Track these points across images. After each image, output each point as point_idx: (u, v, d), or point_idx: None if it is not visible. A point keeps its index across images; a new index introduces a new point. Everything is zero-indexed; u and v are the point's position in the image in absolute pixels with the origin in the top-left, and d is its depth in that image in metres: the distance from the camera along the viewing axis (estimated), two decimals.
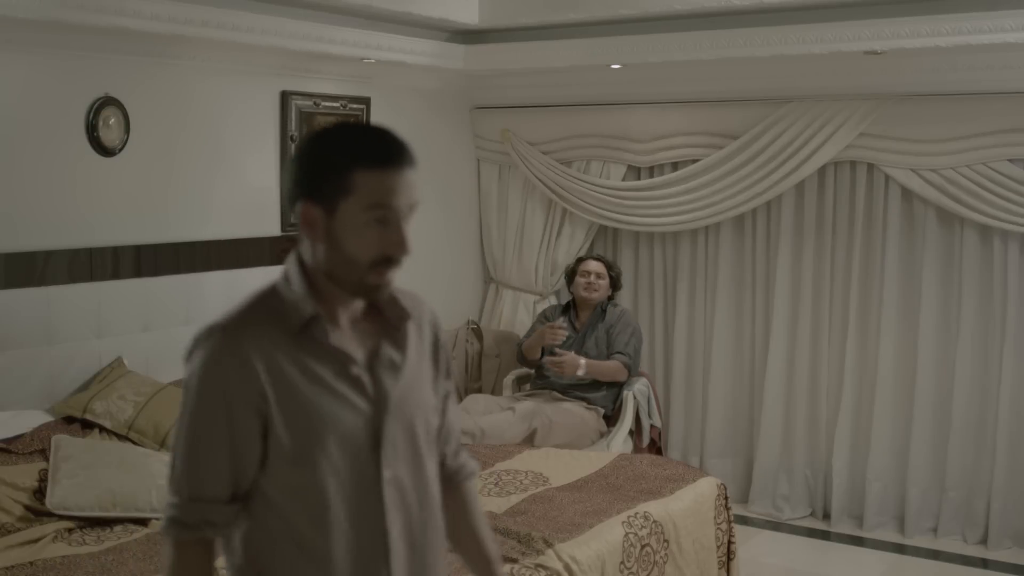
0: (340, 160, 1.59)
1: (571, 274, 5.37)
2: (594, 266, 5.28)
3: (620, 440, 4.97)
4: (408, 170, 1.61)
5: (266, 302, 1.66)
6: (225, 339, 1.59)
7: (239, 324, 1.62)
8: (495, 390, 5.59)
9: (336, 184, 1.58)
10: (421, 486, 1.71)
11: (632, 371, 5.13)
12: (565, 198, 5.75)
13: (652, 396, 5.19)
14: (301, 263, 1.67)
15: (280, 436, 1.59)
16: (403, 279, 1.66)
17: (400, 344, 1.72)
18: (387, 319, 1.72)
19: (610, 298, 5.29)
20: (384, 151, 1.60)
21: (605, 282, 5.26)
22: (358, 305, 1.69)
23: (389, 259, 1.61)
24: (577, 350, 5.13)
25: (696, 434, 5.72)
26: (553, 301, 5.88)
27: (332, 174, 1.58)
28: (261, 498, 1.63)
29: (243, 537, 1.64)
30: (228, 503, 1.61)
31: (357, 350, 1.67)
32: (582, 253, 5.71)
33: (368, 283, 1.62)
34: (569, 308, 5.35)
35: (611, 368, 5.07)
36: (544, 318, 5.42)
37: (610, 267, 5.32)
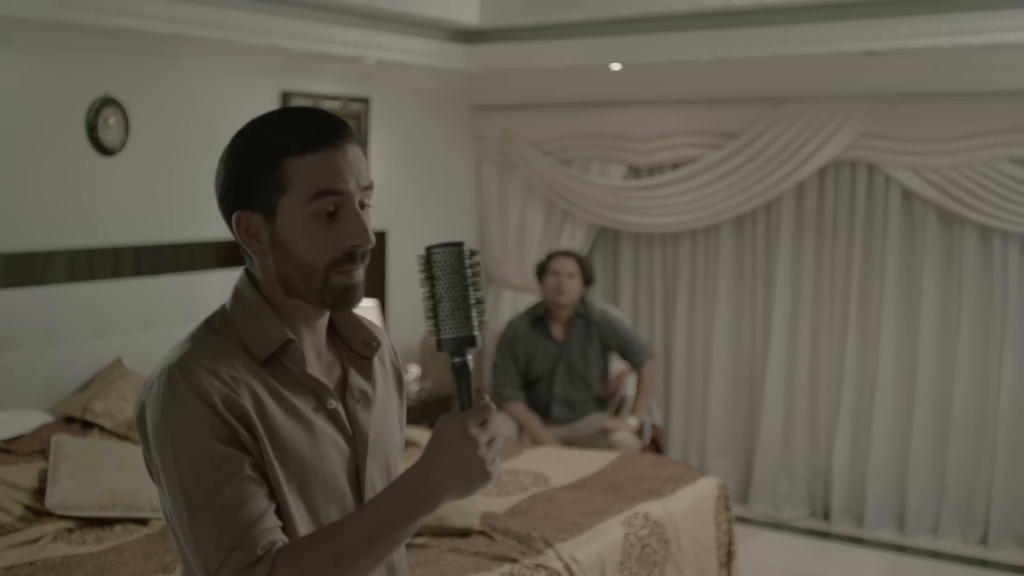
0: (265, 153, 1.37)
1: (541, 271, 4.98)
2: (564, 265, 4.87)
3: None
4: (348, 146, 1.38)
5: (219, 330, 1.42)
6: (190, 366, 1.34)
7: (199, 353, 1.37)
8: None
9: (268, 181, 1.37)
10: None
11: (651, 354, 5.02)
12: (565, 198, 5.75)
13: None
14: (253, 282, 1.45)
15: (271, 470, 1.36)
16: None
17: (367, 374, 1.51)
18: (349, 346, 1.50)
19: (582, 297, 4.97)
20: (313, 130, 1.37)
21: (577, 281, 4.87)
22: (322, 328, 1.47)
23: (351, 254, 1.39)
24: (565, 368, 4.89)
25: (696, 434, 5.73)
26: None
27: (261, 171, 1.37)
28: None
29: None
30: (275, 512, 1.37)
31: (327, 380, 1.45)
32: (582, 251, 5.69)
33: (334, 286, 1.39)
34: (542, 320, 4.96)
35: (650, 381, 4.93)
36: (509, 343, 4.95)
37: (582, 263, 4.93)
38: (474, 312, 1.33)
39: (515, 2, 5.02)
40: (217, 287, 4.47)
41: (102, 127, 4.12)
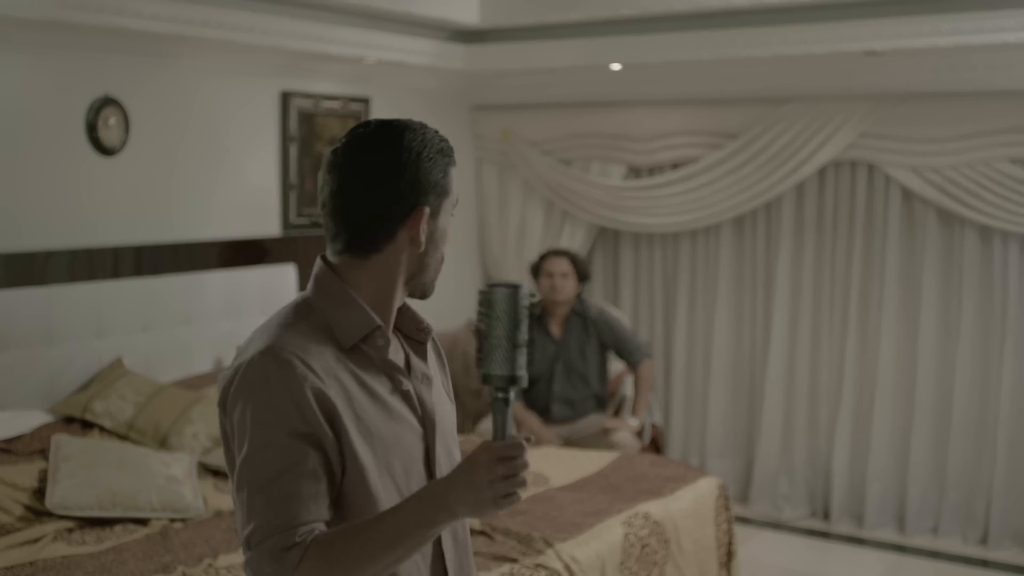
0: (444, 156, 1.57)
1: (535, 271, 4.98)
2: (558, 265, 4.89)
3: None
4: None
5: (306, 317, 1.53)
6: (286, 355, 1.45)
7: (292, 340, 1.48)
8: None
9: (442, 183, 1.57)
10: None
11: (649, 353, 5.01)
12: (565, 198, 5.75)
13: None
14: (333, 271, 1.56)
15: (355, 456, 1.47)
16: None
17: (423, 356, 1.65)
18: (404, 332, 1.65)
19: (579, 295, 4.95)
20: (452, 148, 1.61)
21: (571, 281, 4.88)
22: (394, 316, 1.63)
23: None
24: (564, 366, 4.89)
25: (696, 434, 5.72)
26: None
27: (438, 174, 1.56)
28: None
29: None
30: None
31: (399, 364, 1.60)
32: (582, 251, 5.69)
33: (435, 280, 1.63)
34: (540, 319, 4.91)
35: (647, 381, 4.93)
36: None
37: (576, 262, 4.92)
38: (521, 353, 1.48)
39: (515, 2, 5.03)
40: (217, 287, 4.46)
41: (102, 127, 4.13)
